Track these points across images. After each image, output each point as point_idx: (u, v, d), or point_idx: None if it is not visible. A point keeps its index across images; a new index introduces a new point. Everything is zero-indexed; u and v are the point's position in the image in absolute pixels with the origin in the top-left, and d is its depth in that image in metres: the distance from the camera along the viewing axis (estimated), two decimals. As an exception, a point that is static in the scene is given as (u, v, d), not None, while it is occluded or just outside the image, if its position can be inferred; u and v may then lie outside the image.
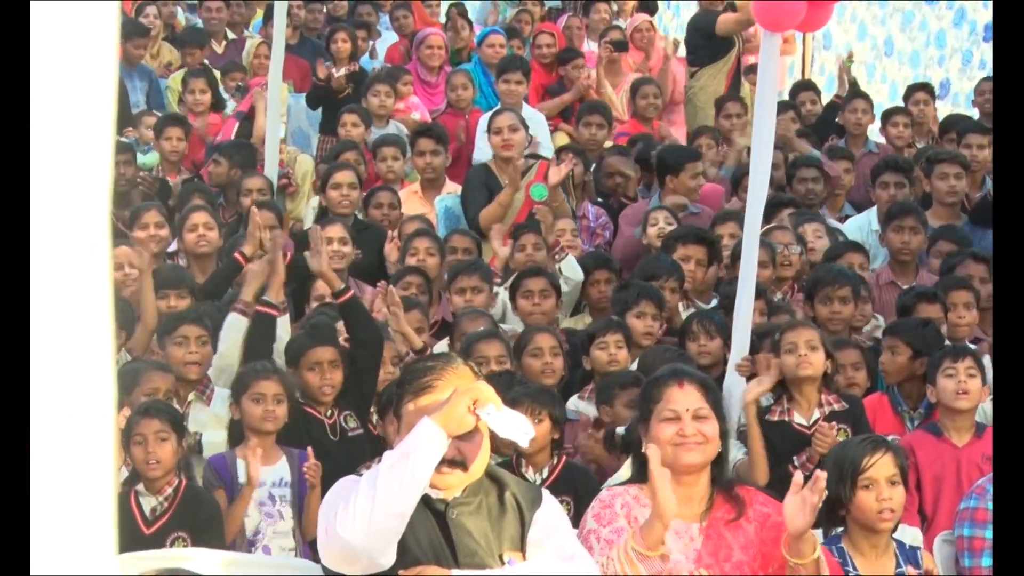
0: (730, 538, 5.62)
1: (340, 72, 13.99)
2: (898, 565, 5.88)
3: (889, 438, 7.08)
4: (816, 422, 7.44)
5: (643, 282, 8.75)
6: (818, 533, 5.99)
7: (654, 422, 5.68)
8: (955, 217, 10.78)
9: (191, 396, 7.62)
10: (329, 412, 7.59)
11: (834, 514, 5.96)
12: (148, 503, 6.46)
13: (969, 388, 7.30)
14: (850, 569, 5.80)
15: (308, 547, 6.78)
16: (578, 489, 6.87)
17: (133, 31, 14.48)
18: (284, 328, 8.15)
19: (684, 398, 5.66)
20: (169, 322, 7.90)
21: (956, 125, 12.63)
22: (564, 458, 7.00)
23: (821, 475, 5.39)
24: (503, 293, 9.14)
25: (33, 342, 2.35)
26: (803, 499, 5.33)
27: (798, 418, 7.51)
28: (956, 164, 11.01)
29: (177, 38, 15.73)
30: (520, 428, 5.07)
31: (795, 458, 7.32)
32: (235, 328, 7.95)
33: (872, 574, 5.78)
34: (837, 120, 13.47)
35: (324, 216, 10.56)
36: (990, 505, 5.92)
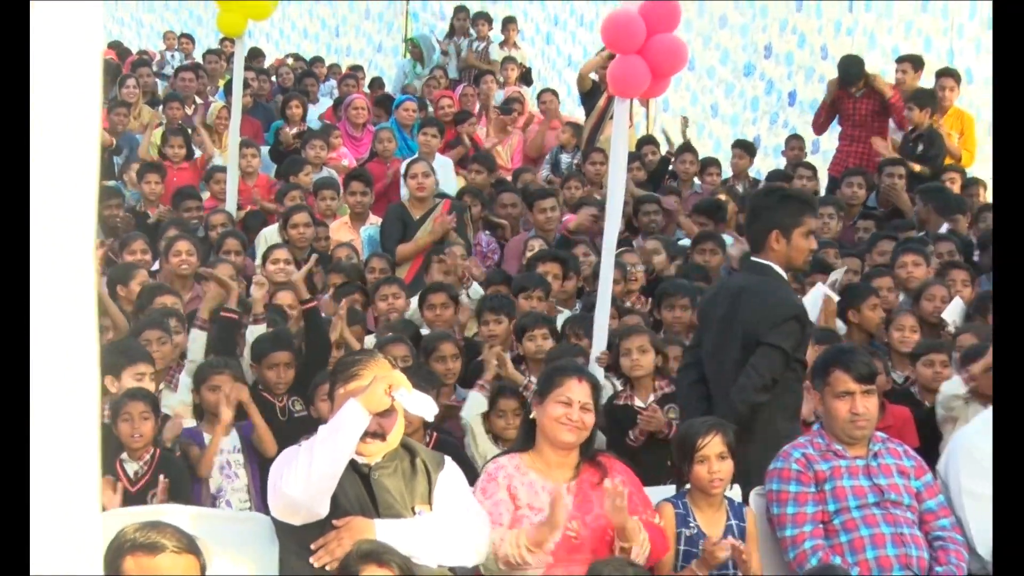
0: (593, 496, 5.66)
1: (293, 131, 14.15)
2: (728, 519, 5.89)
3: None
4: (650, 404, 7.48)
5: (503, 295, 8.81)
6: (671, 489, 6.08)
7: (550, 401, 5.72)
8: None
9: (161, 385, 7.56)
10: (280, 398, 7.55)
11: (680, 479, 6.00)
12: (131, 467, 6.42)
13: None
14: (691, 520, 5.81)
15: (261, 501, 6.77)
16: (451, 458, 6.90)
17: (116, 103, 14.51)
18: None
19: (580, 391, 5.71)
20: (135, 326, 7.87)
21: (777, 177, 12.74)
22: (436, 435, 6.93)
23: (617, 483, 5.46)
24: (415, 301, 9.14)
25: (32, 341, 2.36)
26: (614, 503, 5.39)
27: (638, 402, 7.50)
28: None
29: (156, 100, 15.71)
30: (426, 406, 5.19)
31: (630, 432, 7.35)
32: (197, 341, 7.98)
33: (708, 526, 5.79)
34: (671, 168, 13.67)
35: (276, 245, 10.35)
36: (793, 465, 5.95)
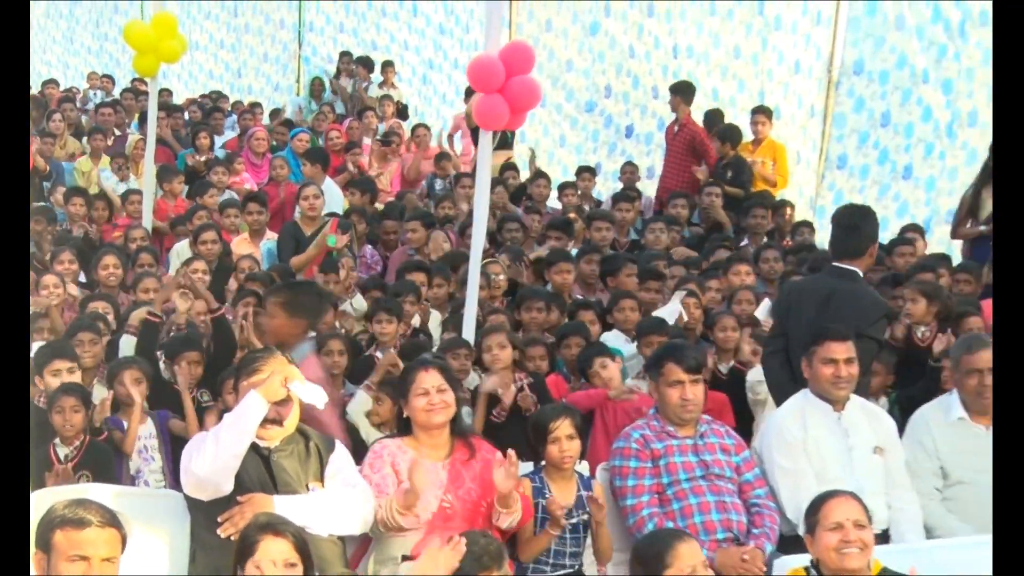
0: (464, 472, 5.66)
1: (202, 159, 13.97)
2: (579, 490, 5.91)
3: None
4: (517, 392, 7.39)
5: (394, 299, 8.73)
6: (529, 465, 6.05)
7: (411, 396, 5.69)
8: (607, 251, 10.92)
9: (95, 380, 7.46)
10: (190, 390, 7.42)
11: (536, 457, 6.00)
12: (63, 451, 6.38)
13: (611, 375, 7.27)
14: (546, 491, 5.82)
15: (174, 480, 6.68)
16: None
17: (44, 134, 14.25)
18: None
19: (430, 379, 5.69)
20: (70, 329, 7.78)
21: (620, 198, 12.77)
22: None
23: (510, 453, 5.46)
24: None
25: None
26: (506, 471, 5.40)
27: (500, 390, 7.40)
28: (606, 221, 11.23)
29: (79, 132, 15.44)
30: (318, 396, 5.24)
31: (492, 411, 7.29)
32: (128, 344, 7.94)
33: (561, 497, 5.79)
34: (528, 192, 13.68)
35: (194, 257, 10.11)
36: (632, 444, 6.02)
